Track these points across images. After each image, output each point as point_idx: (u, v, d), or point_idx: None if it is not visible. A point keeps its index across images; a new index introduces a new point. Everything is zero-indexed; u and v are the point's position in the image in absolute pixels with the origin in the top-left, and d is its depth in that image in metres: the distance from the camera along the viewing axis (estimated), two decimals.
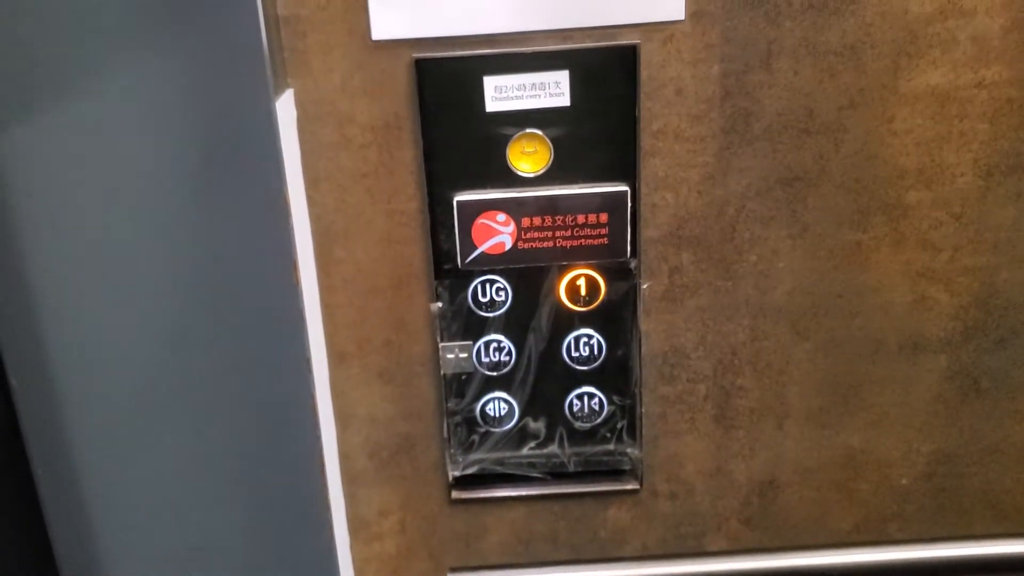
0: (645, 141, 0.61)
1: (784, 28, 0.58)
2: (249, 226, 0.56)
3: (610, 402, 0.68)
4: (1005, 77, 0.60)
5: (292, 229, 0.58)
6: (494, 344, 0.66)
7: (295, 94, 0.59)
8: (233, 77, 0.54)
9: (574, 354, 0.67)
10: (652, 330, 0.66)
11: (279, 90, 0.57)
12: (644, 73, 0.59)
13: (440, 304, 0.65)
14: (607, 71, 0.59)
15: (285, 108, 0.57)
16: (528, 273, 0.64)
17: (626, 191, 0.62)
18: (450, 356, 0.66)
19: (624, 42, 0.59)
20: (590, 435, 0.69)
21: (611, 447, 0.70)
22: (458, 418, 0.68)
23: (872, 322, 0.66)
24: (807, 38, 0.59)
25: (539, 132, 0.60)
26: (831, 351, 0.67)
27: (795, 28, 0.58)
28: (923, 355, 0.67)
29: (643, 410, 0.68)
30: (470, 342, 0.66)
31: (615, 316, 0.66)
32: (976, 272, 0.65)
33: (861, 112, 0.60)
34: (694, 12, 0.58)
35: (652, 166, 0.62)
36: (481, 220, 0.62)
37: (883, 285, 0.65)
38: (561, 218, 0.62)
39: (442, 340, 0.66)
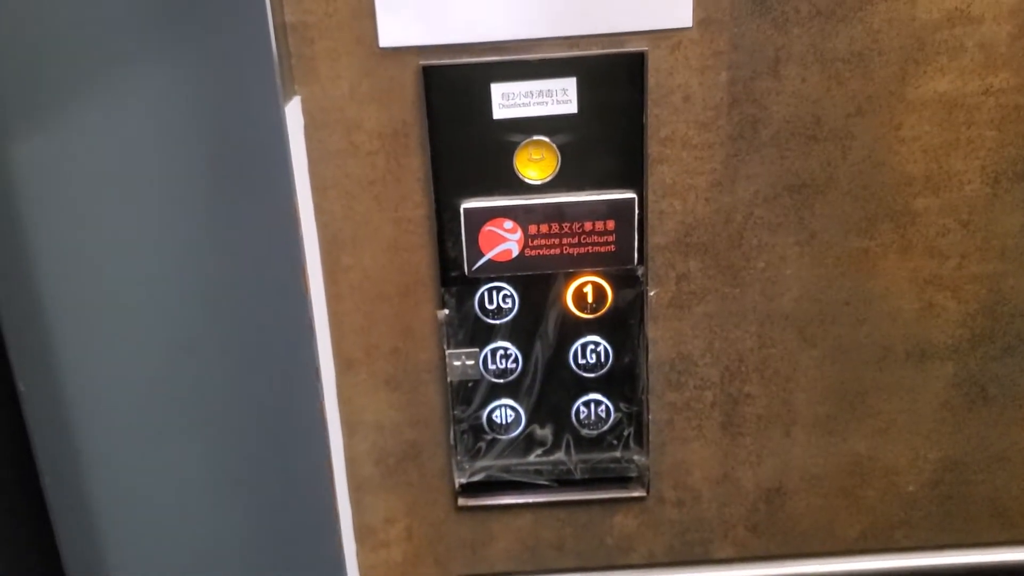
0: (652, 148, 0.61)
1: (792, 35, 0.58)
2: (257, 233, 0.56)
3: (617, 409, 0.68)
4: (1012, 84, 0.60)
5: (301, 236, 0.58)
6: (501, 351, 0.66)
7: (303, 101, 0.59)
8: (241, 84, 0.54)
9: (581, 361, 0.66)
10: (659, 337, 0.66)
11: (287, 97, 0.57)
12: (652, 80, 0.59)
13: (447, 311, 0.65)
14: (615, 78, 0.59)
15: (293, 115, 0.58)
16: (535, 280, 0.64)
17: (633, 198, 0.62)
18: (457, 363, 0.66)
19: (632, 49, 0.59)
20: (597, 442, 0.69)
21: (618, 454, 0.69)
22: (465, 425, 0.68)
23: (879, 329, 0.66)
24: (815, 45, 0.59)
25: (546, 139, 0.60)
26: (838, 358, 0.67)
27: (803, 35, 0.58)
28: (930, 362, 0.67)
29: (650, 417, 0.68)
30: (477, 349, 0.66)
31: (622, 323, 0.65)
32: (983, 279, 0.65)
33: (868, 119, 0.60)
34: (702, 19, 0.58)
35: (659, 173, 0.62)
36: (488, 227, 0.62)
37: (890, 292, 0.65)
38: (568, 225, 0.62)
39: (449, 347, 0.66)
